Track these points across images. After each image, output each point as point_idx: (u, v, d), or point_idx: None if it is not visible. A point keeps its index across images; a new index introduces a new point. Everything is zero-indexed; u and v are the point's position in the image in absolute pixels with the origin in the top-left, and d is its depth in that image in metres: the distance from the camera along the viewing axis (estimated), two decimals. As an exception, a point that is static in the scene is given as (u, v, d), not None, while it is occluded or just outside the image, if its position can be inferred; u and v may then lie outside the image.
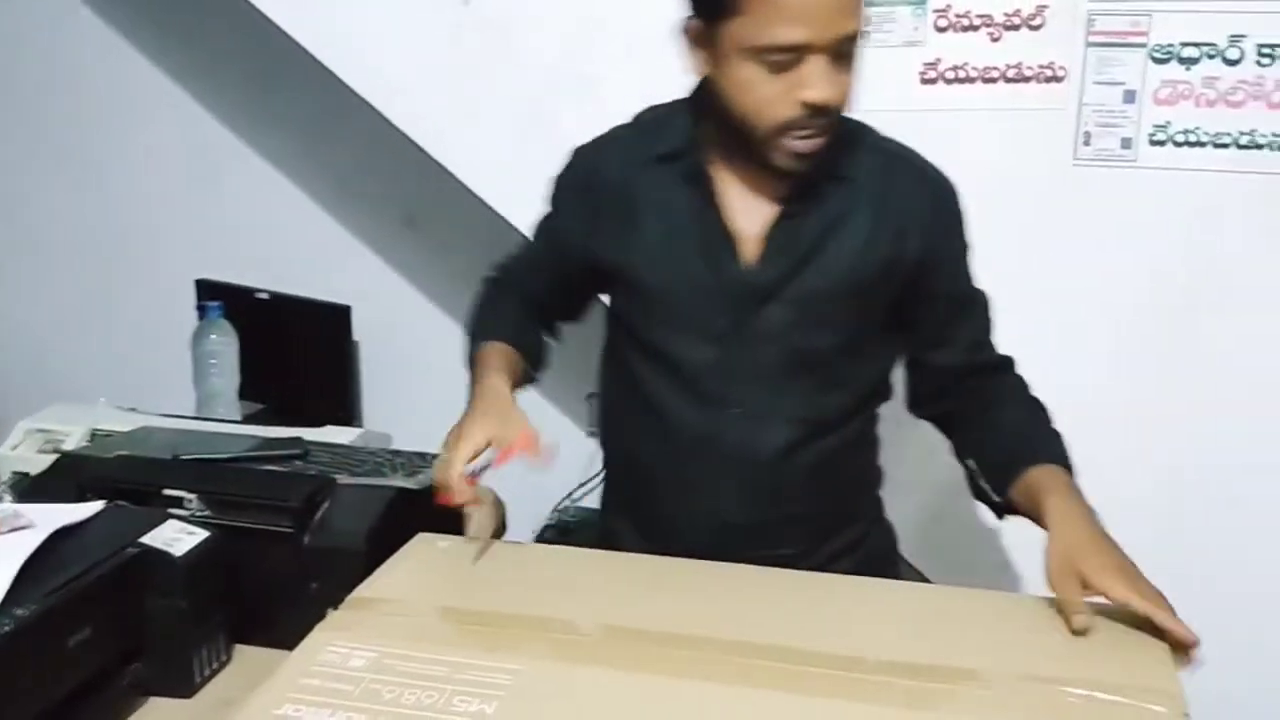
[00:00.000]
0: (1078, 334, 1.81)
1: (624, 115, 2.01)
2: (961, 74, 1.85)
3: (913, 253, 1.30)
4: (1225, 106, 1.76)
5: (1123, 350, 1.88)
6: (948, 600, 1.21)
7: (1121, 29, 1.77)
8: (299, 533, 1.25)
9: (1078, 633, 1.05)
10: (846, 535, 1.42)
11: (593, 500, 2.64)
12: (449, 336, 2.66)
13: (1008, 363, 1.38)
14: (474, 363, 1.37)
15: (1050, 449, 1.26)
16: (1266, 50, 1.73)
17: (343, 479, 1.37)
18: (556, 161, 2.06)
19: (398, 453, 1.57)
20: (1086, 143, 1.82)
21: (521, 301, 1.47)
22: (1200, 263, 1.83)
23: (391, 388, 2.75)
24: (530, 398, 2.66)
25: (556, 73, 2.05)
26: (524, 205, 2.09)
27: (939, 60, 1.85)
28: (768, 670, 1.00)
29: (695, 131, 1.31)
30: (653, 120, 1.37)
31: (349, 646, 1.03)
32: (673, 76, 1.96)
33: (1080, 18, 1.78)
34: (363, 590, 1.15)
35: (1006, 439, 1.29)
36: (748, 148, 1.24)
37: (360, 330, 2.73)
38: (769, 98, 1.17)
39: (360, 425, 2.71)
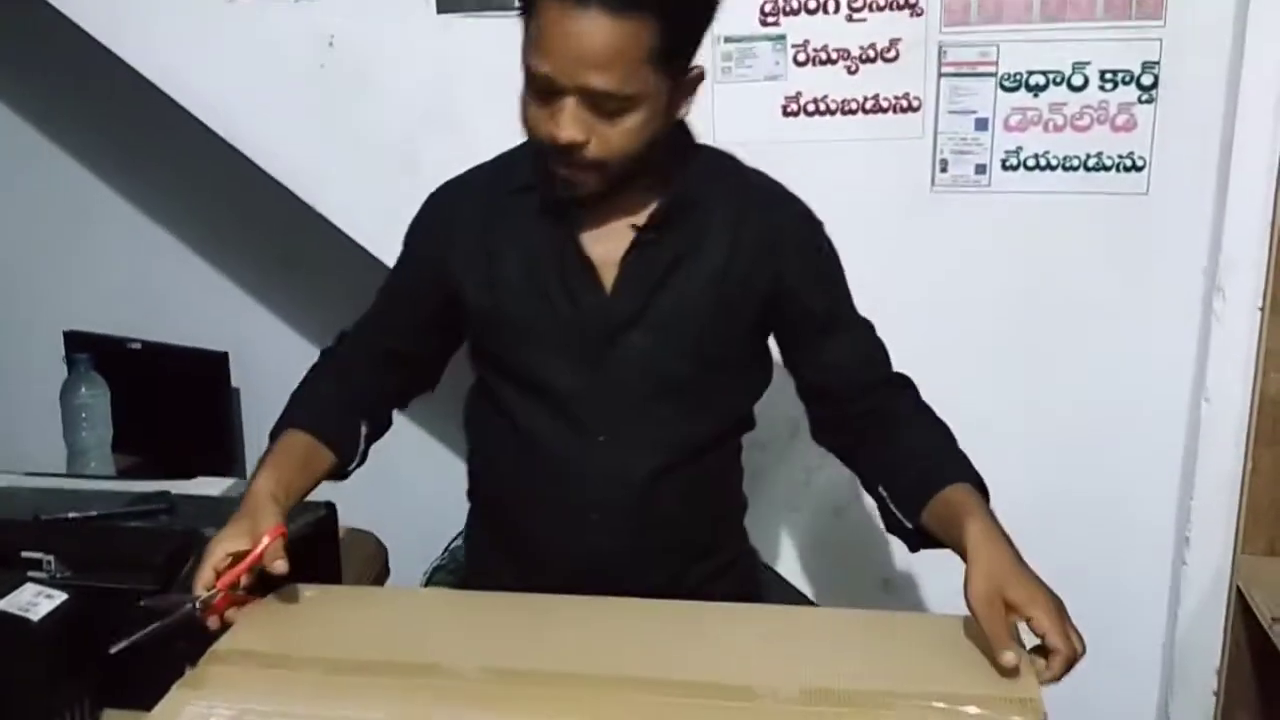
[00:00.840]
0: (942, 351, 1.85)
1: (491, 153, 2.04)
2: (822, 106, 1.90)
3: (769, 279, 1.32)
4: (1073, 130, 1.84)
5: (984, 364, 1.95)
6: (811, 621, 1.24)
7: (971, 59, 1.83)
8: (164, 590, 1.22)
9: (1005, 670, 1.02)
10: (714, 561, 1.43)
11: (485, 538, 2.64)
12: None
13: (902, 379, 1.39)
14: (264, 454, 1.34)
15: (960, 469, 1.26)
16: (1109, 76, 1.81)
17: (210, 532, 1.33)
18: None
19: (270, 502, 1.53)
20: (943, 169, 1.88)
21: (353, 379, 1.44)
22: (1053, 278, 1.90)
23: (272, 434, 2.70)
24: (412, 431, 2.67)
25: (422, 111, 2.05)
26: (395, 244, 2.10)
27: (800, 93, 1.90)
28: (642, 704, 1.00)
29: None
30: (509, 157, 1.38)
31: (208, 704, 1.01)
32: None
33: (932, 49, 1.85)
34: (223, 643, 1.12)
35: (914, 463, 1.28)
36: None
37: (240, 377, 2.68)
38: (533, 120, 1.21)
39: (243, 474, 2.65)
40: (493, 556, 1.47)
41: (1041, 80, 1.83)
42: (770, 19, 1.89)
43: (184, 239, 2.72)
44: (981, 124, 1.86)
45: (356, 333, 1.48)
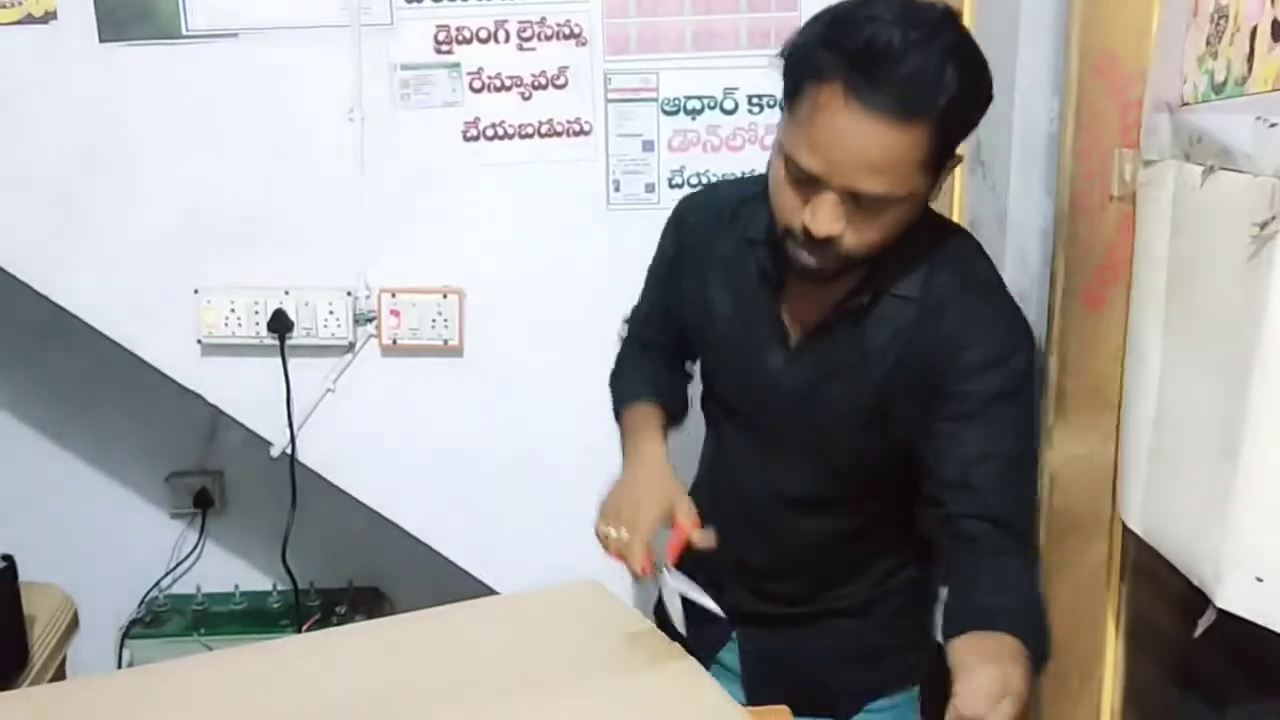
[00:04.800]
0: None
1: (160, 187, 2.00)
2: (500, 130, 1.97)
3: (930, 391, 1.24)
4: (728, 150, 2.00)
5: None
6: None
7: (634, 86, 1.96)
8: None
9: None
10: (852, 596, 1.42)
11: (183, 585, 2.54)
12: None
13: (1000, 545, 1.19)
14: (622, 422, 1.46)
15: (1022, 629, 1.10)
16: (755, 100, 1.98)
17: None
18: (94, 234, 2.01)
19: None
20: (617, 189, 2.00)
21: (655, 352, 1.54)
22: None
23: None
24: (109, 486, 2.54)
25: (83, 144, 1.99)
26: (56, 278, 2.02)
27: (478, 119, 1.97)
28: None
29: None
30: (752, 197, 1.34)
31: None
32: (211, 152, 1.98)
33: (598, 77, 1.96)
34: None
35: (981, 609, 1.14)
36: None
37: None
38: (785, 202, 1.17)
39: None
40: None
41: (698, 105, 1.99)
42: (444, 47, 1.95)
43: None
44: (648, 145, 1.99)
45: (635, 323, 1.59)
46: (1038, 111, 1.56)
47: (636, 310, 1.59)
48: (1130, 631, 1.32)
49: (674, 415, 1.52)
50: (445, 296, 2.01)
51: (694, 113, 1.99)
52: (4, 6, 1.92)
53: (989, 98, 1.15)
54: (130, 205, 2.01)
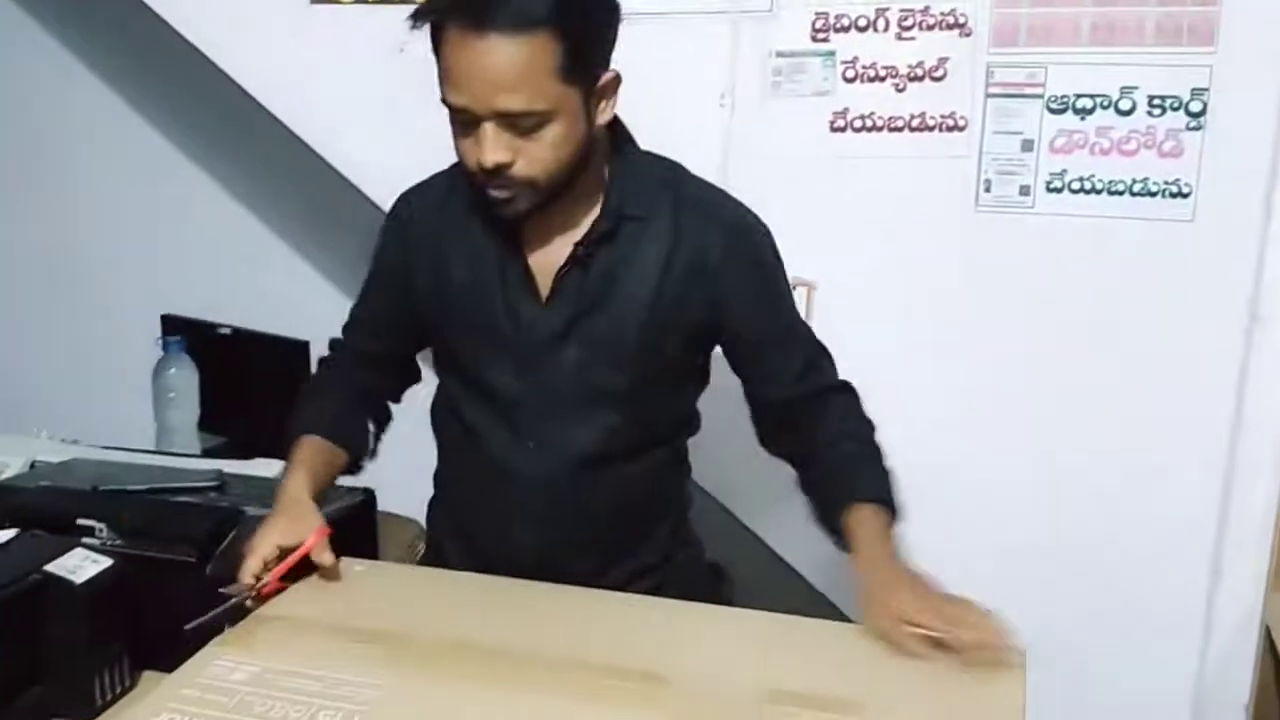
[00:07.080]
0: (980, 370, 1.87)
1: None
2: (869, 123, 1.92)
3: (704, 300, 1.36)
4: (1119, 155, 1.83)
5: (1022, 385, 1.94)
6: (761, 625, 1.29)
7: (1019, 81, 1.84)
8: (202, 562, 1.32)
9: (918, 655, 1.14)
10: (642, 559, 1.48)
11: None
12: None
13: (838, 387, 1.45)
14: (287, 458, 1.45)
15: (867, 487, 1.35)
16: (1157, 101, 1.80)
17: (253, 510, 1.43)
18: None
19: (315, 484, 1.62)
20: (987, 189, 1.89)
21: (352, 383, 1.53)
22: (1094, 303, 1.89)
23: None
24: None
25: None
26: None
27: (847, 109, 1.93)
28: (595, 685, 1.08)
29: None
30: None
31: (235, 661, 1.11)
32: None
33: (980, 70, 1.86)
34: (267, 609, 1.23)
35: (833, 478, 1.39)
36: None
37: (319, 364, 2.80)
38: (462, 149, 1.27)
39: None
40: (448, 546, 1.56)
41: (1089, 104, 1.83)
42: (821, 35, 1.92)
43: (277, 232, 2.85)
44: (1027, 145, 1.86)
45: (345, 340, 1.57)
46: None
47: (346, 325, 1.56)
48: None
49: (353, 453, 1.50)
50: (795, 287, 1.99)
51: (1084, 112, 1.84)
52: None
53: (612, 5, 1.26)
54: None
